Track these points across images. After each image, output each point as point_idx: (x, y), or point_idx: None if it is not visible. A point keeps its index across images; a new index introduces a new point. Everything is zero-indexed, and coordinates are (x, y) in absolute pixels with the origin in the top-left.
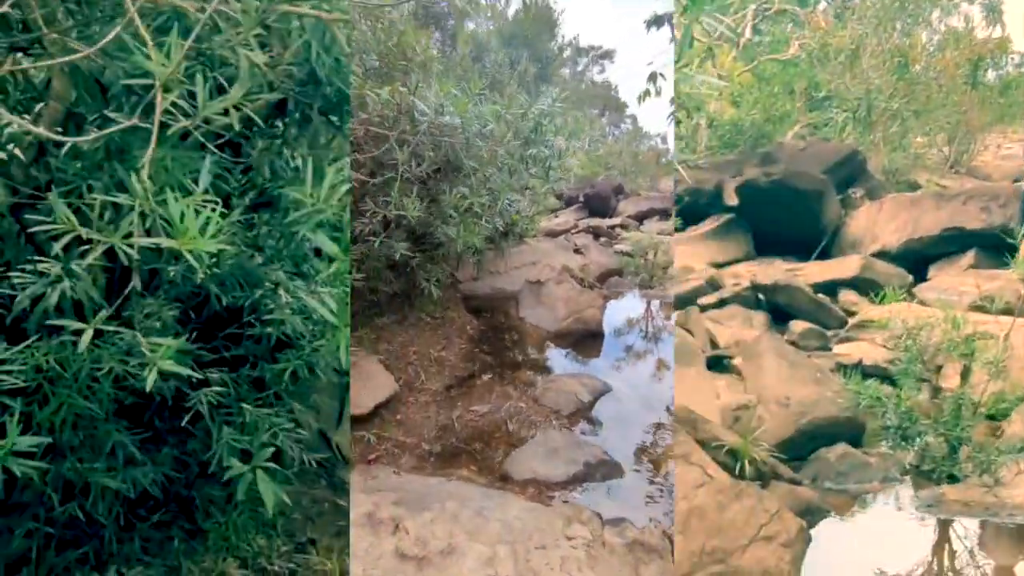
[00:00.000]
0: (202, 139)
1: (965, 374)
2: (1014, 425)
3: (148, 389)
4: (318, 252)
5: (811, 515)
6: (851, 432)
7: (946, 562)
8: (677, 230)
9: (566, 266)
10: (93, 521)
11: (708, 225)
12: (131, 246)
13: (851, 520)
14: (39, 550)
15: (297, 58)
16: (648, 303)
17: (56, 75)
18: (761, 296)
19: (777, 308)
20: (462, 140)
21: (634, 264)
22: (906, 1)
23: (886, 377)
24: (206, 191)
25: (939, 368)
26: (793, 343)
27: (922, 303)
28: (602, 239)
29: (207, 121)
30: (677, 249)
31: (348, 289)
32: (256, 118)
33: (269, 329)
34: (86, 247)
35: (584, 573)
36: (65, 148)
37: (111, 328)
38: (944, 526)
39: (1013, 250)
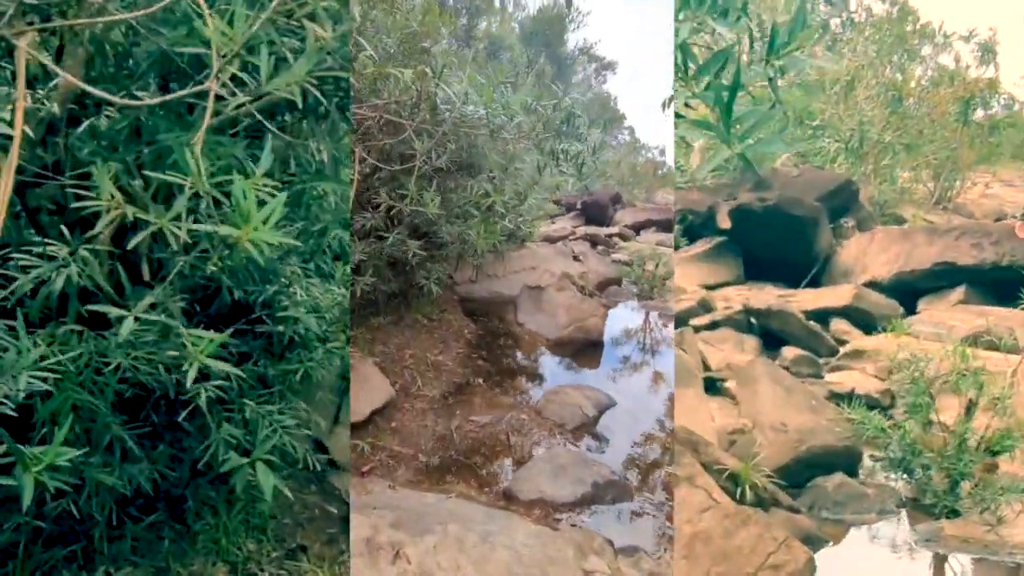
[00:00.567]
0: (259, 117)
1: (970, 409)
2: (1016, 463)
3: (188, 384)
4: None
5: (810, 544)
6: (847, 462)
7: None
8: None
9: (566, 273)
10: (84, 518)
11: (700, 247)
12: (177, 229)
13: (847, 551)
14: (26, 545)
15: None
16: (647, 315)
17: (69, 50)
18: (753, 320)
19: (768, 333)
20: (486, 132)
21: (634, 274)
22: (901, 37)
23: (880, 407)
24: (267, 174)
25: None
26: (785, 369)
27: (910, 336)
28: (599, 247)
29: (260, 97)
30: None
31: (350, 287)
32: (296, 99)
33: (281, 327)
34: (93, 233)
35: None
36: (81, 128)
37: (150, 317)
38: (940, 562)
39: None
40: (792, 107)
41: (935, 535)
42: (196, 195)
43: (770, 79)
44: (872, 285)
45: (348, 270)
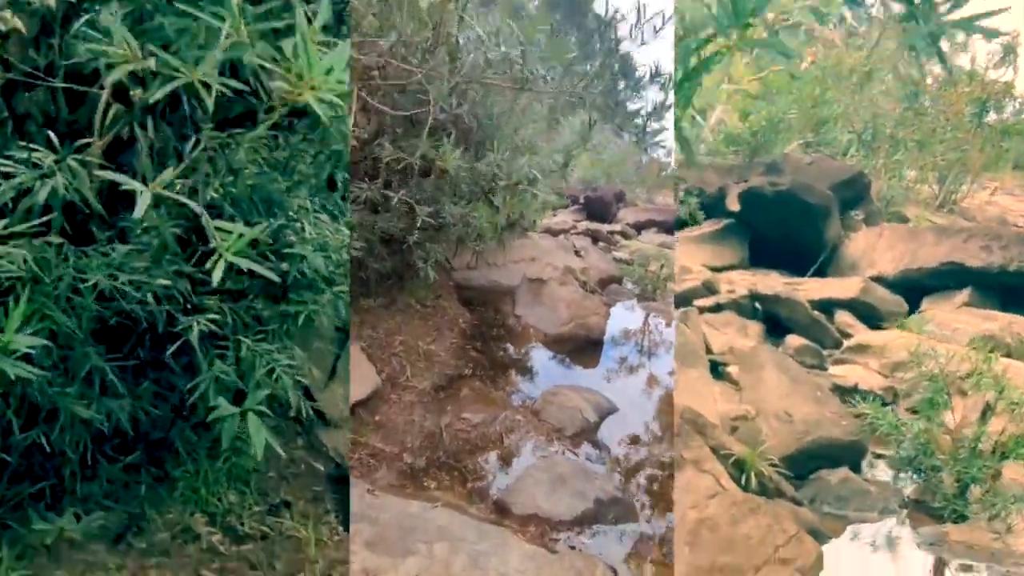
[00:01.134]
0: None
1: (986, 412)
2: None
3: (215, 283)
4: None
5: (814, 538)
6: (852, 457)
7: None
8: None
9: (569, 267)
10: (56, 454)
11: (707, 228)
12: (209, 84)
13: (847, 548)
14: None
15: None
16: (647, 316)
17: None
18: (758, 305)
19: (772, 320)
20: (514, 86)
21: (636, 273)
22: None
23: (883, 404)
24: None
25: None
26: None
27: (923, 334)
28: (601, 244)
29: None
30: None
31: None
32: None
33: (285, 265)
34: (85, 141)
35: None
36: (79, 23)
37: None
38: (940, 566)
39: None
40: (806, 91)
41: (939, 539)
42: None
43: None
44: (878, 280)
45: (351, 210)
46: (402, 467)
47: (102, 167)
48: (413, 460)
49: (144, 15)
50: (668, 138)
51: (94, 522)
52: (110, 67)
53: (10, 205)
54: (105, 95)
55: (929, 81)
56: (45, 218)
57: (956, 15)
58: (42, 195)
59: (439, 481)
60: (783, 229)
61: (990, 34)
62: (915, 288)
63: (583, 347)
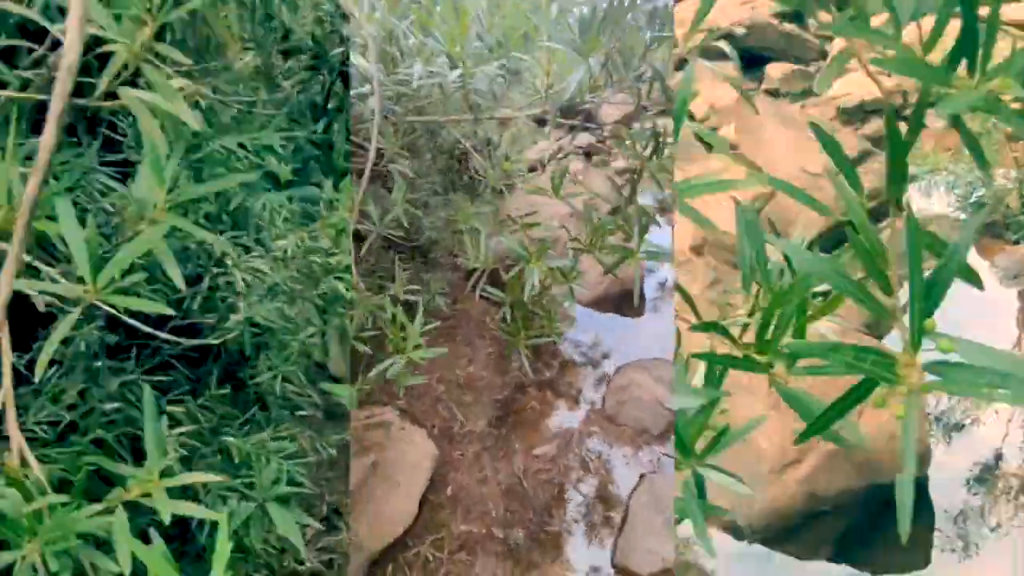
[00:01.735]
0: None
1: None
2: None
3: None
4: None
5: None
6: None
7: None
8: None
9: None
10: None
11: None
12: None
13: None
14: None
15: None
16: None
17: None
18: (724, 46)
19: (743, 55)
20: None
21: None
22: None
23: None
24: None
25: None
26: (775, 91)
27: None
28: (595, 158)
29: None
30: None
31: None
32: None
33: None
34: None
35: None
36: None
37: None
38: None
39: None
40: None
41: None
42: None
43: None
44: None
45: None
46: (499, 551)
47: None
48: (505, 534)
49: None
50: None
51: None
52: None
53: None
54: None
55: None
56: None
57: None
58: None
59: (541, 555)
60: None
61: None
62: None
63: (622, 299)
